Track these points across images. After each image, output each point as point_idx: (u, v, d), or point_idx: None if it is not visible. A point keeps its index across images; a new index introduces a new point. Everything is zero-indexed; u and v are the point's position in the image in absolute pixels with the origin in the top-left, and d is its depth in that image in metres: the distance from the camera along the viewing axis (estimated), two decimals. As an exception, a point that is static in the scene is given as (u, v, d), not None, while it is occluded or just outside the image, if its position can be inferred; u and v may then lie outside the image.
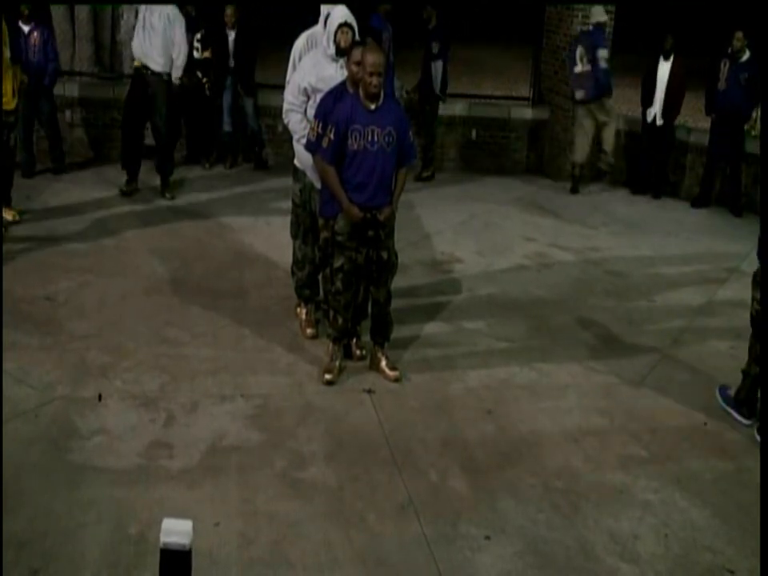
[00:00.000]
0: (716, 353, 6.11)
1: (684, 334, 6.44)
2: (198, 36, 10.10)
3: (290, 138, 5.93)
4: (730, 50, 9.74)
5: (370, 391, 5.30)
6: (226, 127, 10.44)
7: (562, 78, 10.97)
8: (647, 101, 10.32)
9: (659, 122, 10.26)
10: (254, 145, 10.66)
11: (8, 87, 7.61)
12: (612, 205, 10.12)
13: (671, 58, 10.16)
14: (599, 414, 5.21)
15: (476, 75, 15.33)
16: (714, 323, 6.66)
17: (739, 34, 9.66)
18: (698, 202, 10.10)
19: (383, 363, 5.51)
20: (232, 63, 10.25)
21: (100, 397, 5.00)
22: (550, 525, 4.12)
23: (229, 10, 10.16)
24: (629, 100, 12.51)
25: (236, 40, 10.24)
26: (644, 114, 10.40)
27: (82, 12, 11.24)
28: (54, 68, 9.55)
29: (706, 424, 5.15)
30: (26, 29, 9.33)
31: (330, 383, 5.34)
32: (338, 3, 5.75)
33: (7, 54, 7.63)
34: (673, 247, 8.56)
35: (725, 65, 9.77)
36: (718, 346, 6.22)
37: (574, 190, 10.50)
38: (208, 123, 10.45)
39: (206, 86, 10.20)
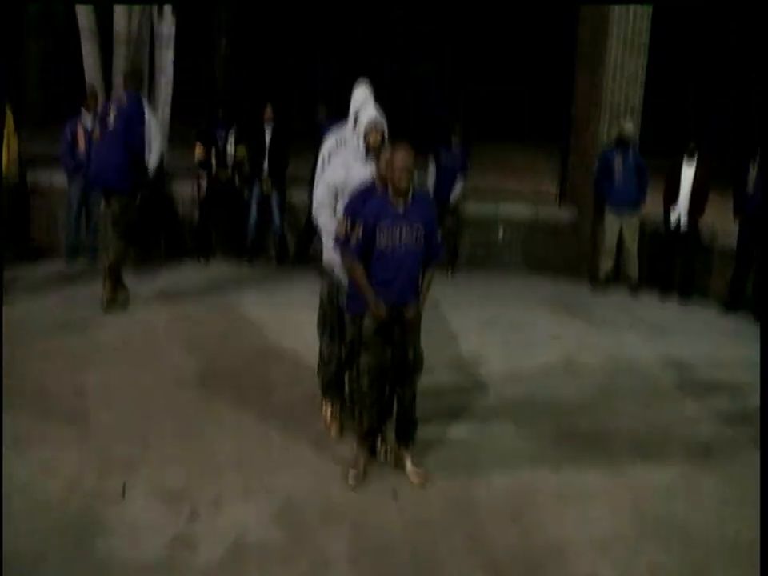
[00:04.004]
0: (750, 463, 5.97)
1: (716, 442, 6.33)
2: (232, 134, 10.38)
3: (319, 234, 6.02)
4: (758, 153, 9.81)
5: (394, 492, 5.24)
6: (252, 220, 10.62)
7: (588, 178, 11.10)
8: (671, 203, 10.41)
9: (684, 224, 10.33)
10: (276, 240, 10.81)
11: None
12: (639, 307, 10.12)
13: (695, 161, 10.28)
14: (627, 523, 5.10)
15: (503, 173, 15.50)
16: (747, 432, 6.52)
17: None
18: (729, 306, 10.05)
19: (408, 464, 5.46)
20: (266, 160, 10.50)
21: (124, 490, 4.98)
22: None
23: (268, 109, 10.46)
24: (654, 202, 12.60)
25: (272, 137, 10.49)
26: (667, 216, 10.48)
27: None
28: None
29: (737, 534, 5.03)
30: (89, 122, 9.81)
31: (354, 483, 5.29)
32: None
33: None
34: (702, 352, 8.47)
35: (754, 167, 9.84)
36: (751, 456, 6.08)
37: (596, 290, 10.68)
38: (239, 220, 10.63)
39: (237, 182, 10.45)
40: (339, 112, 7.90)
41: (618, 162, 10.45)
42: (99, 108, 9.75)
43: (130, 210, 8.42)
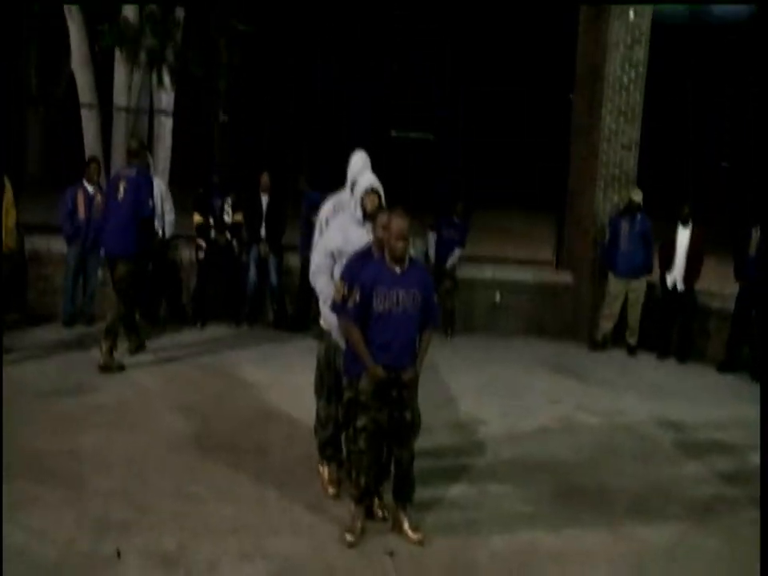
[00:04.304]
0: (749, 522, 5.93)
1: (715, 502, 6.29)
2: (229, 200, 10.50)
3: (315, 298, 6.05)
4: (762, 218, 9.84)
5: (391, 554, 5.18)
6: (252, 282, 10.69)
7: (584, 243, 11.21)
8: (667, 266, 10.47)
9: (680, 287, 10.38)
10: (274, 303, 10.85)
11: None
12: (637, 368, 10.13)
13: (690, 225, 10.38)
14: (628, 584, 5.06)
15: (499, 239, 15.62)
16: (746, 491, 6.49)
17: None
18: (724, 367, 10.06)
19: (405, 525, 5.41)
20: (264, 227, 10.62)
21: (119, 554, 4.93)
22: None
23: (265, 176, 10.62)
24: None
25: (269, 204, 10.63)
26: (664, 279, 10.53)
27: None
28: None
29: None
30: (90, 189, 10.08)
31: (351, 545, 5.23)
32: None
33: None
34: (701, 412, 8.45)
35: (756, 232, 9.90)
36: (751, 515, 6.04)
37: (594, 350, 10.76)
38: (237, 284, 10.68)
39: (235, 248, 10.54)
40: (322, 182, 8.73)
41: (624, 228, 10.54)
42: (100, 179, 10.14)
43: (135, 276, 8.64)
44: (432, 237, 11.07)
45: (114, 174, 9.72)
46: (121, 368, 8.47)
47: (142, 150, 9.08)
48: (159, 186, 10.51)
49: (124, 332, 8.85)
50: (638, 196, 10.59)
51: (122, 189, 8.61)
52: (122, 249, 8.53)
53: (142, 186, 8.62)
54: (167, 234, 10.48)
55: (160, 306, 10.76)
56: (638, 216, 10.56)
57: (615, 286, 10.67)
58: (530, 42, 23.06)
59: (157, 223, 9.93)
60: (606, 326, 10.77)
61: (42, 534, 5.09)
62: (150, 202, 8.73)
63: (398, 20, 22.15)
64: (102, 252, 8.92)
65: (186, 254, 10.82)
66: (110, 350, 8.46)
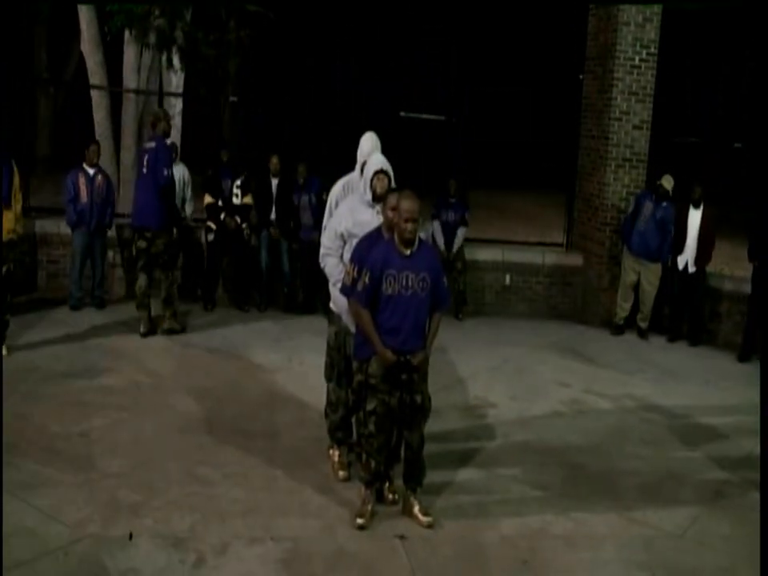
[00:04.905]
0: (759, 507, 5.93)
1: (726, 487, 6.29)
2: (238, 182, 10.46)
3: (326, 281, 6.04)
4: None
5: (402, 537, 5.19)
6: (264, 265, 10.68)
7: (594, 225, 11.17)
8: (678, 249, 10.40)
9: (691, 269, 10.32)
10: (285, 286, 10.83)
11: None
12: (648, 351, 10.09)
13: (701, 207, 10.31)
14: (639, 568, 5.04)
15: (509, 221, 15.58)
16: (756, 476, 6.46)
17: None
18: (744, 356, 9.82)
19: (416, 508, 5.41)
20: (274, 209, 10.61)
21: (131, 536, 4.95)
22: None
23: (274, 159, 10.59)
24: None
25: (278, 187, 10.59)
26: (674, 262, 10.47)
27: (127, 157, 11.71)
28: (112, 211, 10.12)
29: (750, 580, 4.97)
30: (90, 172, 9.99)
31: (361, 528, 5.25)
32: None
33: None
34: (711, 396, 8.44)
35: None
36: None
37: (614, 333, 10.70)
38: (247, 267, 10.66)
39: (245, 231, 10.49)
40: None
41: (647, 208, 10.40)
42: (101, 160, 10.25)
43: (172, 246, 9.15)
44: (437, 225, 11.03)
45: (140, 150, 9.81)
46: (183, 329, 9.16)
47: (159, 120, 9.14)
48: (183, 172, 10.49)
49: (138, 309, 9.09)
50: (668, 183, 10.41)
51: (145, 162, 8.86)
52: (153, 221, 8.80)
53: (159, 156, 8.78)
54: (189, 212, 10.67)
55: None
56: (664, 203, 10.42)
57: (628, 260, 10.58)
58: (540, 23, 22.93)
59: (179, 205, 10.15)
60: (626, 305, 10.66)
61: (53, 516, 5.11)
62: (165, 171, 8.81)
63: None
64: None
65: (196, 236, 10.80)
66: (174, 314, 9.09)
